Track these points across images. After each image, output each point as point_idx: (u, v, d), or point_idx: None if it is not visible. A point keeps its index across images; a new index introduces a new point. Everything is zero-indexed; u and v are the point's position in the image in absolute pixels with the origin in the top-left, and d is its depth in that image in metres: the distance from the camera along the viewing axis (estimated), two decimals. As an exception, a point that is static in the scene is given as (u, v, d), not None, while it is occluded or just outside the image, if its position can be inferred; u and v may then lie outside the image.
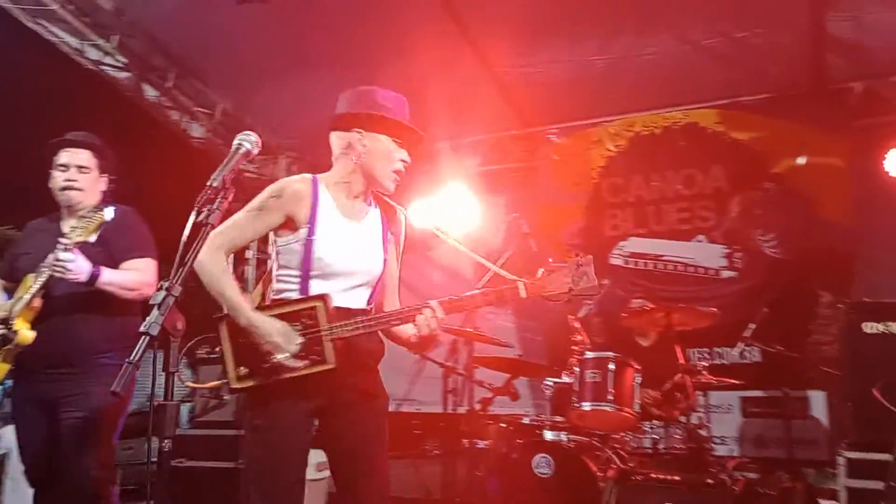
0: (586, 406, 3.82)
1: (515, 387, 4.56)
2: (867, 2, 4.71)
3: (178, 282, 1.70)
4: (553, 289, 2.22)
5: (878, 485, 3.03)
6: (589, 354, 3.96)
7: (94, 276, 2.80)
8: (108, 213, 2.78)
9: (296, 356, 2.21)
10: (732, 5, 4.91)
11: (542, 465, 3.73)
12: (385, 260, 2.44)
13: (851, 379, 3.30)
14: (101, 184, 3.15)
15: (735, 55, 5.29)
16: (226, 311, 2.27)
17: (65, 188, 3.03)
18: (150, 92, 5.88)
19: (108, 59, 5.55)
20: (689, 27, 5.13)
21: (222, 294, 2.25)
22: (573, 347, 4.05)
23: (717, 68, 5.43)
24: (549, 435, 3.93)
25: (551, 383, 4.02)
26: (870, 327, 3.26)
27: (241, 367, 2.25)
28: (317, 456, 5.13)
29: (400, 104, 2.54)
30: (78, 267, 2.75)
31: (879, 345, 3.22)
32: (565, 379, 3.97)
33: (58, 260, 2.70)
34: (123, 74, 5.65)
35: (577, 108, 6.04)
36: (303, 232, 2.32)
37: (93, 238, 2.80)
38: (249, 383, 2.24)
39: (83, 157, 3.10)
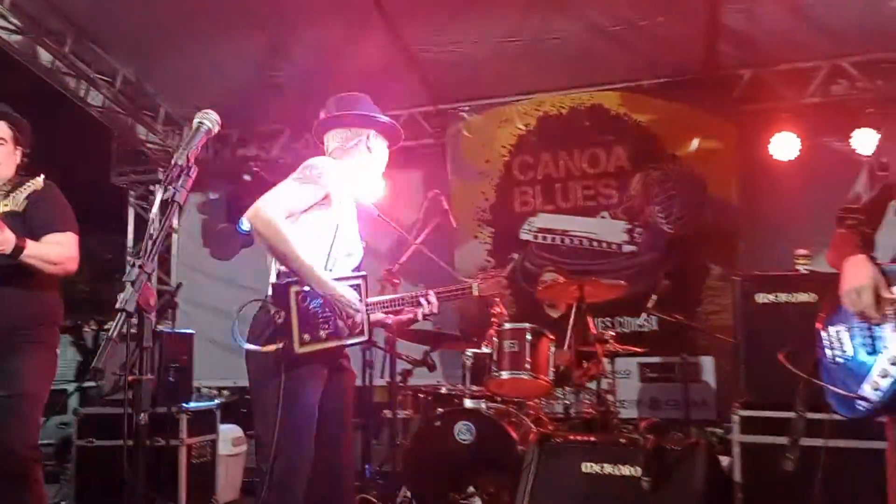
0: (504, 374, 4.01)
1: (433, 358, 4.72)
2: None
3: (151, 259, 1.71)
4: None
5: (767, 439, 3.41)
6: (507, 326, 4.14)
7: (18, 249, 2.70)
8: (40, 181, 2.70)
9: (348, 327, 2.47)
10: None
11: (463, 431, 3.89)
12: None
13: (746, 345, 3.64)
14: (17, 156, 3.02)
15: (637, 41, 5.58)
16: (287, 279, 2.40)
17: None
18: (45, 56, 5.56)
19: (-1, 21, 5.23)
20: (595, 13, 5.36)
21: (297, 259, 2.36)
22: (492, 319, 4.22)
23: (621, 53, 5.72)
24: (469, 403, 4.11)
25: (471, 354, 4.19)
26: (761, 297, 3.60)
27: (305, 335, 2.36)
28: (233, 432, 5.17)
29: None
30: (4, 238, 2.65)
31: (769, 313, 3.56)
32: (485, 350, 4.14)
33: None
34: (16, 37, 5.32)
35: (489, 87, 6.20)
36: (335, 212, 2.53)
37: (21, 208, 2.71)
38: (311, 348, 2.39)
39: (3, 127, 2.97)
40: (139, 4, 5.32)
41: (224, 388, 6.51)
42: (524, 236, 6.11)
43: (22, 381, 2.78)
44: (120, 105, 6.12)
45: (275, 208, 2.37)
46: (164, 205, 1.82)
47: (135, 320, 1.79)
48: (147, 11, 5.36)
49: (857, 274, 2.03)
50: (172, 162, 1.90)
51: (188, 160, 1.93)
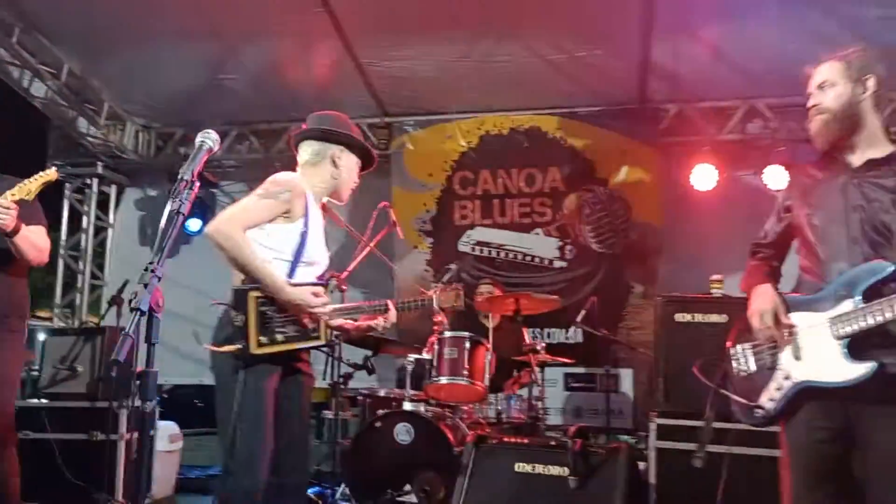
0: (443, 380, 4.27)
1: (373, 363, 4.93)
2: (685, 38, 5.53)
3: (161, 263, 1.89)
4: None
5: (679, 445, 3.78)
6: (447, 334, 4.40)
7: (16, 228, 2.88)
8: (53, 174, 2.84)
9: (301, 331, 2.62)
10: (577, 27, 5.53)
11: (402, 432, 4.13)
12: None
13: (664, 359, 4.02)
14: None
15: (575, 71, 5.96)
16: (248, 285, 2.59)
17: None
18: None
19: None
20: (539, 42, 5.70)
21: (257, 269, 2.56)
22: (434, 327, 4.47)
23: (560, 80, 6.07)
24: (408, 406, 4.34)
25: (413, 359, 4.42)
26: (680, 317, 4.00)
27: (262, 337, 2.53)
28: (169, 429, 5.23)
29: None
30: (12, 215, 2.85)
31: (686, 331, 3.96)
32: (426, 356, 4.39)
33: (5, 209, 2.81)
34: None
35: (435, 103, 6.46)
36: (299, 224, 2.69)
37: (31, 198, 2.93)
38: (267, 350, 2.56)
39: None
40: (94, 2, 5.33)
41: (161, 385, 6.54)
42: (462, 248, 6.40)
43: (3, 368, 2.96)
44: (63, 97, 6.06)
45: (234, 223, 2.58)
46: (171, 215, 1.99)
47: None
48: (99, 7, 5.37)
49: (762, 300, 2.37)
50: (179, 176, 2.07)
51: (192, 175, 2.10)
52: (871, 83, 2.27)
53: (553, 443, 3.61)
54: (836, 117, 2.28)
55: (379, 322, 2.85)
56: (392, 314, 2.84)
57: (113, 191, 7.19)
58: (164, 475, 5.02)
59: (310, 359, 2.89)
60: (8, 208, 2.86)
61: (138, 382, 1.85)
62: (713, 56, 5.68)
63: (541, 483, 3.47)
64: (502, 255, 6.33)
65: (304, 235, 2.72)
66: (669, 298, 4.12)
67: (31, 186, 2.96)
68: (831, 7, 5.01)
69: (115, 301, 4.64)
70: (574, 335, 6.06)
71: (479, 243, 6.39)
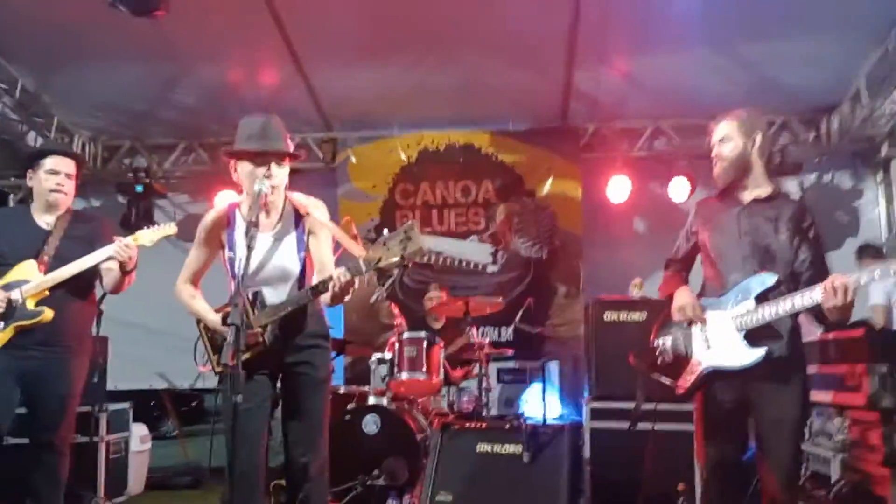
0: (404, 375, 4.83)
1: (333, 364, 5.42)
2: (602, 66, 6.25)
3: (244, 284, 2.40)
4: (385, 263, 2.65)
5: (610, 425, 4.49)
6: (406, 335, 4.95)
7: (132, 267, 3.46)
8: (173, 227, 3.40)
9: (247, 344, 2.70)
10: (508, 54, 6.14)
11: (370, 423, 4.65)
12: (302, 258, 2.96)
13: (595, 352, 4.72)
14: None
15: (506, 92, 6.60)
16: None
17: (55, 191, 3.47)
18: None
19: None
20: (473, 65, 6.28)
21: (192, 310, 2.99)
22: (396, 328, 5.01)
23: (492, 101, 6.72)
24: (372, 399, 4.87)
25: (376, 359, 4.95)
26: (608, 316, 4.70)
27: (215, 356, 2.94)
28: (140, 430, 5.56)
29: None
30: (133, 258, 3.38)
31: (613, 328, 4.67)
32: (387, 355, 4.92)
33: (126, 247, 3.31)
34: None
35: (377, 120, 6.96)
36: (228, 253, 2.97)
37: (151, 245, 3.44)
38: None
39: (71, 165, 3.55)
40: (45, 19, 5.44)
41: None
42: (404, 254, 6.93)
43: (76, 379, 3.46)
44: (15, 113, 6.20)
45: (180, 279, 3.05)
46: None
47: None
48: (56, 25, 5.53)
49: (682, 298, 3.05)
50: (248, 220, 2.56)
51: (256, 218, 2.60)
52: (758, 139, 2.98)
53: (507, 425, 4.24)
54: (733, 165, 2.98)
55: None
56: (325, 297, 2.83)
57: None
58: (136, 474, 5.34)
59: (312, 359, 2.99)
60: (130, 246, 3.33)
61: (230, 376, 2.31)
62: (625, 82, 6.46)
63: (499, 460, 4.09)
64: (441, 260, 6.92)
65: (230, 260, 2.91)
66: (599, 300, 4.82)
67: (153, 236, 3.43)
68: (725, 45, 5.84)
69: (93, 312, 4.91)
70: (506, 333, 6.71)
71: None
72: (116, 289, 3.58)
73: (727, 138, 2.99)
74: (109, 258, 3.36)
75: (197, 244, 3.04)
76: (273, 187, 2.87)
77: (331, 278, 2.73)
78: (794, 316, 2.82)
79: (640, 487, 4.00)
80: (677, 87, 6.47)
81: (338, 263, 2.99)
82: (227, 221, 2.99)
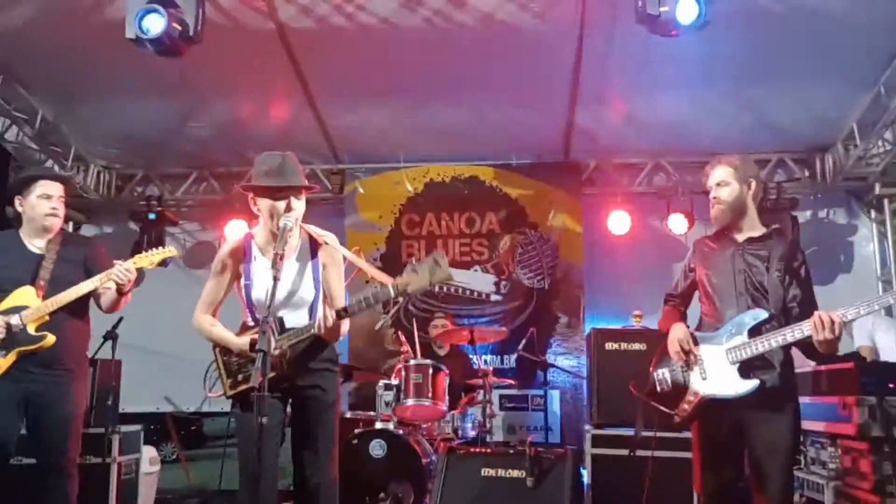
0: (410, 401, 4.95)
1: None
2: (603, 105, 6.49)
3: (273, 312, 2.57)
4: (414, 287, 2.79)
5: (610, 451, 4.62)
6: (412, 362, 5.09)
7: (129, 290, 3.51)
8: (173, 250, 3.51)
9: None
10: (514, 93, 6.38)
11: (376, 447, 4.77)
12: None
13: (597, 380, 4.86)
14: None
15: (510, 127, 6.84)
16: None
17: (50, 215, 3.55)
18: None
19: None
20: (480, 103, 6.53)
21: (213, 337, 3.11)
22: (402, 356, 5.16)
23: (497, 135, 6.94)
24: (379, 424, 4.99)
25: (383, 384, 5.09)
26: (609, 345, 4.86)
27: (229, 380, 3.05)
28: (149, 452, 5.67)
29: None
30: (131, 280, 3.45)
31: (614, 357, 4.83)
32: (394, 381, 5.06)
33: (127, 270, 3.39)
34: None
35: (385, 153, 7.18)
36: (242, 280, 3.12)
37: (152, 266, 3.53)
38: (236, 390, 3.05)
39: (60, 188, 3.63)
40: (65, 52, 5.65)
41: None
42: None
43: (79, 400, 3.52)
44: (34, 142, 6.40)
45: (198, 310, 3.18)
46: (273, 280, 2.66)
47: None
48: (77, 58, 5.74)
49: (677, 332, 3.21)
50: (276, 254, 2.73)
51: (283, 250, 2.77)
52: (753, 184, 3.18)
53: (512, 450, 4.36)
54: (730, 208, 3.17)
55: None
56: (327, 320, 2.90)
57: (70, 227, 7.48)
58: (146, 495, 5.44)
59: (323, 383, 3.10)
60: (130, 270, 3.41)
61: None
62: (626, 120, 6.69)
63: (503, 484, 4.21)
64: (445, 289, 7.07)
65: (247, 287, 3.06)
66: (600, 331, 4.98)
67: (153, 258, 3.52)
68: (723, 86, 6.07)
69: (110, 336, 5.06)
70: (508, 361, 6.86)
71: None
72: (112, 309, 3.63)
73: (724, 183, 3.18)
74: (109, 281, 3.44)
75: (214, 274, 3.16)
76: (295, 219, 3.02)
77: (363, 300, 2.85)
78: (787, 349, 2.99)
79: (639, 513, 4.14)
80: (676, 126, 6.71)
81: (350, 290, 3.17)
82: (242, 252, 3.13)
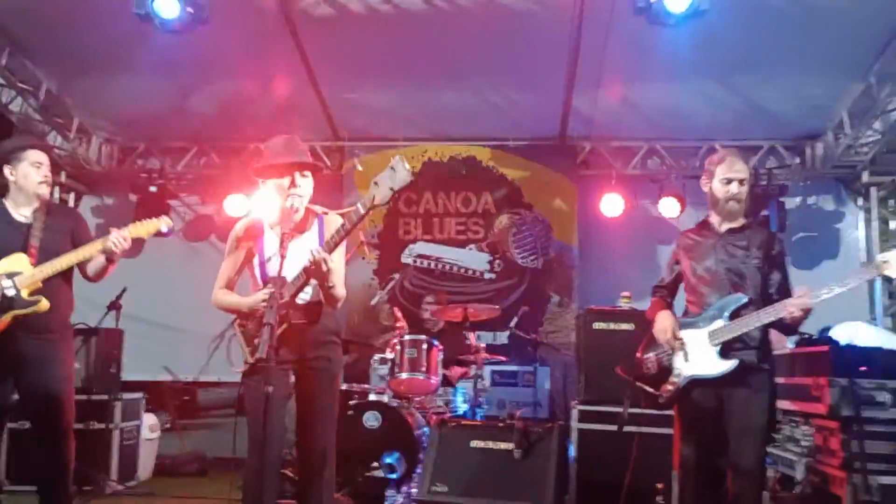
0: (405, 375, 5.12)
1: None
2: (601, 89, 6.58)
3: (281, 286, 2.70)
4: (380, 197, 2.89)
5: (596, 427, 4.80)
6: (407, 336, 5.25)
7: (117, 258, 3.59)
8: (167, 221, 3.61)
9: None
10: (513, 76, 6.49)
11: (371, 419, 4.94)
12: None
13: (585, 358, 5.03)
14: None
15: (508, 110, 6.94)
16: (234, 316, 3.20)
17: (42, 182, 3.59)
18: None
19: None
20: (480, 84, 6.63)
21: (229, 305, 3.20)
22: (396, 330, 5.32)
23: (495, 117, 7.04)
24: (373, 396, 5.16)
25: (378, 358, 5.25)
26: (598, 325, 5.01)
27: (249, 348, 3.15)
28: (148, 419, 5.83)
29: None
30: (123, 249, 3.52)
31: (602, 336, 4.97)
32: (389, 355, 5.22)
33: (123, 239, 3.47)
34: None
35: (383, 131, 7.27)
36: (257, 260, 3.23)
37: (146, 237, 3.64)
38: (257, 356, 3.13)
39: (47, 157, 3.68)
40: (72, 24, 5.71)
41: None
42: (405, 260, 7.26)
43: (70, 363, 3.63)
44: (38, 113, 6.48)
45: (216, 288, 3.27)
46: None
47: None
48: (78, 31, 5.77)
49: (663, 320, 3.39)
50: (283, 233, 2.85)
51: (290, 229, 2.90)
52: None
53: (501, 423, 4.54)
54: (745, 204, 3.33)
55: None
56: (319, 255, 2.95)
57: (71, 198, 7.58)
58: (146, 460, 5.62)
59: (328, 354, 3.19)
60: (126, 238, 3.49)
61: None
62: (622, 105, 6.80)
63: (492, 456, 4.38)
64: (440, 266, 7.23)
65: (260, 265, 3.18)
66: (589, 310, 5.13)
67: (148, 228, 3.59)
68: (717, 74, 6.18)
69: (114, 306, 5.21)
70: (501, 338, 7.02)
71: (419, 256, 7.26)
72: (99, 277, 3.68)
73: (745, 181, 3.32)
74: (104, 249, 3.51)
75: (229, 252, 3.27)
76: (300, 197, 3.13)
77: (341, 227, 2.97)
78: (764, 330, 3.15)
79: (621, 486, 4.33)
80: (671, 111, 6.82)
81: (349, 266, 3.32)
82: (255, 231, 3.24)
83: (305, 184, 3.18)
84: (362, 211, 2.90)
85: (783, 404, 4.03)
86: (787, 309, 2.95)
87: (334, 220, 3.28)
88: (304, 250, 3.06)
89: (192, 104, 6.88)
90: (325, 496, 3.09)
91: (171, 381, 7.89)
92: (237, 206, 7.21)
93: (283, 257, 2.88)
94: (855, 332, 4.01)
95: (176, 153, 7.55)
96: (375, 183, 2.89)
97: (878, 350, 3.50)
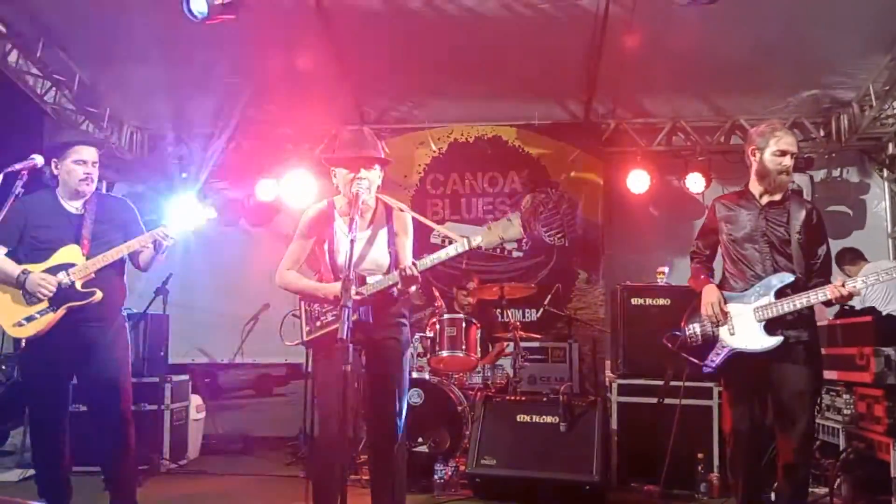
0: (445, 353, 5.25)
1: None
2: (625, 68, 6.61)
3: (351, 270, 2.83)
4: (486, 242, 3.04)
5: (634, 399, 4.92)
6: (446, 316, 5.37)
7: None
8: (212, 213, 3.73)
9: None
10: (540, 58, 6.52)
11: (414, 396, 5.07)
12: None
13: (623, 333, 5.13)
14: None
15: (534, 89, 6.99)
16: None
17: (83, 180, 3.69)
18: (12, 56, 5.97)
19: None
20: (504, 67, 6.67)
21: (302, 289, 3.30)
22: (437, 310, 5.44)
23: (520, 98, 7.10)
24: (414, 374, 5.28)
25: (418, 337, 5.37)
26: (635, 300, 5.12)
27: (307, 327, 3.29)
28: (195, 399, 5.98)
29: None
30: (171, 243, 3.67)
31: (639, 312, 5.08)
32: (429, 334, 5.34)
33: (168, 237, 3.63)
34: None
35: (410, 114, 7.35)
36: (326, 244, 3.34)
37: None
38: (313, 336, 3.29)
39: (94, 153, 3.77)
40: (103, 14, 5.77)
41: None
42: (434, 241, 7.34)
43: (125, 348, 3.75)
44: (72, 103, 6.58)
45: (282, 267, 3.36)
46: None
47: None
48: (110, 21, 5.83)
49: (709, 295, 3.48)
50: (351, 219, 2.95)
51: (355, 216, 3.00)
52: None
53: (545, 398, 4.67)
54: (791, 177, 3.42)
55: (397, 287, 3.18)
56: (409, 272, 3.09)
57: (103, 186, 7.69)
58: (194, 439, 5.79)
59: (396, 334, 3.31)
60: (175, 231, 3.65)
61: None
62: (644, 82, 6.83)
63: (537, 429, 4.52)
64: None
65: (330, 252, 3.30)
66: (626, 287, 5.23)
67: (195, 221, 3.74)
68: (742, 50, 6.20)
69: (160, 291, 5.34)
70: (530, 314, 7.14)
71: (447, 237, 7.34)
72: (148, 266, 3.82)
73: (794, 154, 3.40)
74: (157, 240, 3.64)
75: (298, 236, 3.37)
76: (365, 184, 3.24)
77: (437, 255, 3.11)
78: (810, 308, 3.25)
79: (662, 456, 4.46)
80: (695, 88, 6.86)
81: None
82: (325, 218, 3.36)
83: (371, 174, 3.28)
84: (465, 248, 3.07)
85: (826, 374, 4.13)
86: (833, 292, 3.08)
87: (405, 221, 3.42)
88: (374, 240, 3.21)
89: (220, 90, 6.94)
90: (398, 466, 3.22)
91: (193, 363, 8.03)
92: (268, 190, 7.32)
93: (352, 241, 2.98)
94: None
95: (204, 139, 7.63)
96: (489, 227, 3.05)
97: (921, 319, 3.60)
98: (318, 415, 3.27)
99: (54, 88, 6.43)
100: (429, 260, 3.11)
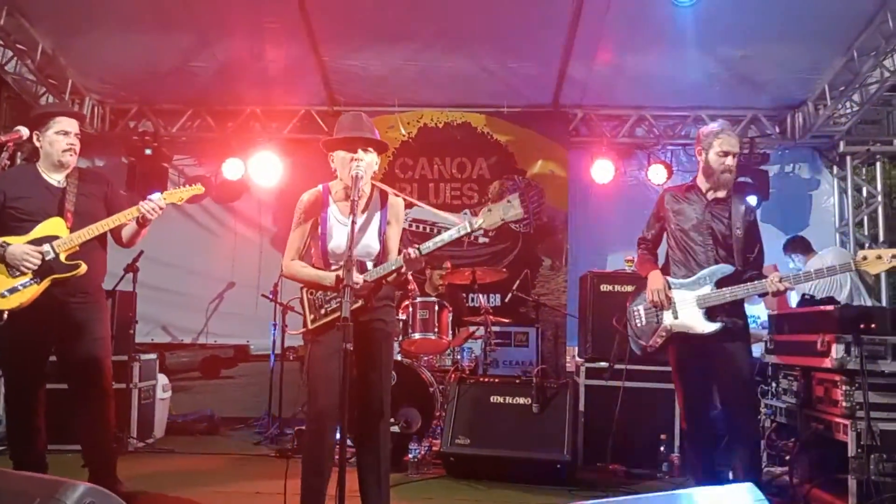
0: (417, 335, 5.32)
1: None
2: (595, 60, 6.76)
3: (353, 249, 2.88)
4: (488, 223, 3.07)
5: (602, 382, 5.09)
6: (419, 299, 5.44)
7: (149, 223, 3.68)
8: (201, 188, 3.64)
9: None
10: (510, 43, 6.61)
11: (386, 377, 5.13)
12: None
13: (591, 319, 5.29)
14: None
15: (503, 77, 7.07)
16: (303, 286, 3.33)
17: (67, 150, 3.65)
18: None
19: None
20: (477, 53, 6.75)
21: (308, 278, 3.28)
22: (409, 293, 5.50)
23: (490, 84, 7.17)
24: (387, 356, 5.35)
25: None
26: (604, 287, 5.28)
27: (311, 315, 3.31)
28: (162, 378, 5.93)
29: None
30: (157, 215, 3.62)
31: (607, 298, 5.24)
32: (401, 316, 5.40)
33: (159, 209, 3.57)
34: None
35: (380, 96, 7.33)
36: (323, 229, 3.33)
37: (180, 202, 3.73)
38: (317, 324, 3.29)
39: (76, 125, 3.72)
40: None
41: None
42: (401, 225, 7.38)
43: (107, 322, 3.77)
44: (33, 73, 6.39)
45: (286, 257, 3.35)
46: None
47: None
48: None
49: (655, 281, 3.72)
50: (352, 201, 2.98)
51: (357, 198, 3.02)
52: None
53: (518, 380, 4.79)
54: (735, 175, 3.72)
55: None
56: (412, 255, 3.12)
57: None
58: (160, 419, 5.74)
59: (384, 316, 3.34)
60: (162, 208, 3.59)
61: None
62: (612, 73, 6.99)
63: (510, 410, 4.65)
64: (435, 231, 7.39)
65: (323, 236, 3.28)
66: (596, 274, 5.39)
67: (182, 195, 3.68)
68: (707, 47, 6.41)
69: (130, 268, 5.26)
70: (495, 300, 7.26)
71: (415, 220, 7.41)
72: (131, 242, 3.80)
73: (737, 155, 3.62)
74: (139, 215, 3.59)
75: (297, 223, 3.34)
76: (361, 165, 3.20)
77: (439, 239, 3.13)
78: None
79: (627, 437, 4.70)
80: (661, 81, 7.04)
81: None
82: (321, 203, 3.34)
83: (368, 157, 3.28)
84: (469, 230, 3.08)
85: (782, 359, 4.37)
86: (770, 286, 3.43)
87: (398, 210, 3.45)
88: (367, 227, 3.26)
89: (188, 66, 6.84)
90: (383, 443, 3.28)
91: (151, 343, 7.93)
92: (235, 169, 7.24)
93: (353, 223, 3.01)
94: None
95: (170, 116, 7.49)
96: (489, 210, 3.08)
97: (881, 309, 3.83)
98: (310, 388, 3.29)
99: (15, 58, 6.22)
100: (431, 243, 3.15)
